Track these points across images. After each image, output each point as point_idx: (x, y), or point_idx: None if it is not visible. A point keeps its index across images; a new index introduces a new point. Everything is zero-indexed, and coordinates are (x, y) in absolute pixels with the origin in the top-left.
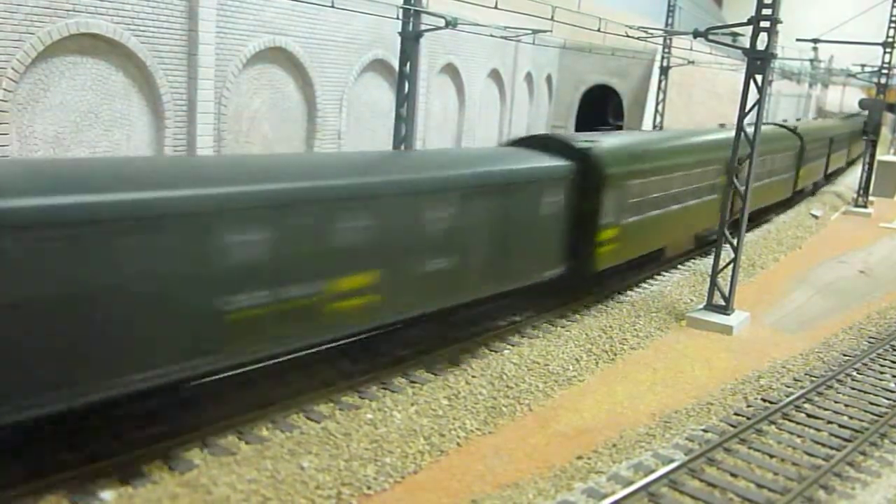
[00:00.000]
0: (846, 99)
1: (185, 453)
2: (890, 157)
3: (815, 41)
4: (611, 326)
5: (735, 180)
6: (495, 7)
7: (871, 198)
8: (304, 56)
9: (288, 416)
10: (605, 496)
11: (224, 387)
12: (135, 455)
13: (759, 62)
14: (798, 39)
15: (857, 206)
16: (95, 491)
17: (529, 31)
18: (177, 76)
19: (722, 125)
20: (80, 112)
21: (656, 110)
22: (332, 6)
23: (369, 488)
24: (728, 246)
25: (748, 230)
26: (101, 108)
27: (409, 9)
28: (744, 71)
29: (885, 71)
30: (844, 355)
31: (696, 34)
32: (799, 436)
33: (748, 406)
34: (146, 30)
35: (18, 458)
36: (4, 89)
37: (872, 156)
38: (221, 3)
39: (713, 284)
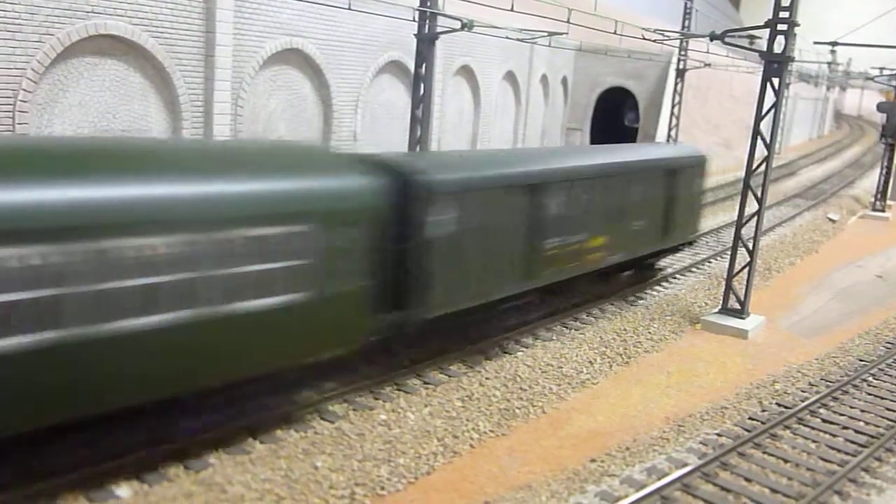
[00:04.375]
0: (864, 102)
1: (200, 452)
2: None
3: (834, 44)
4: (625, 329)
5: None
6: (511, 9)
7: (889, 202)
8: (321, 58)
9: (302, 415)
10: (618, 499)
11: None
12: (150, 453)
13: (776, 65)
14: (816, 42)
15: (874, 210)
16: (111, 488)
17: (545, 34)
18: (194, 77)
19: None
20: (98, 112)
21: (672, 112)
22: (349, 8)
23: (382, 489)
24: (743, 249)
25: (764, 233)
26: (119, 108)
27: (426, 11)
28: (761, 73)
29: None
30: (860, 360)
31: (712, 37)
32: (814, 441)
33: (763, 410)
34: (164, 31)
35: (35, 456)
36: (24, 90)
37: (891, 160)
38: (239, 4)
39: (728, 288)
